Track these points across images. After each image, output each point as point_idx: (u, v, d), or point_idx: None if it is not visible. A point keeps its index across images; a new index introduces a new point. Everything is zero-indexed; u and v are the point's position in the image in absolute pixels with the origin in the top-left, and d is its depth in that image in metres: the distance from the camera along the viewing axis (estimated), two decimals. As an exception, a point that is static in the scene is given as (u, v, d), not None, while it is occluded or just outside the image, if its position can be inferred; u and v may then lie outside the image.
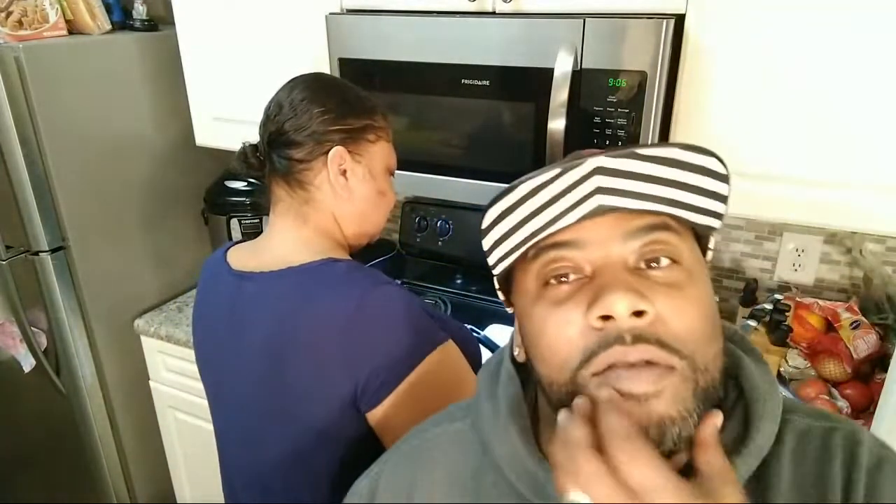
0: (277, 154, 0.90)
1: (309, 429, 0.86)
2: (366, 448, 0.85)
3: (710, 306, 0.50)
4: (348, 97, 0.92)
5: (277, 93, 0.92)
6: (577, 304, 0.48)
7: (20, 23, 1.44)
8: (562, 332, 0.48)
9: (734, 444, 0.51)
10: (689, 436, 0.47)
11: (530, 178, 0.48)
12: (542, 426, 0.57)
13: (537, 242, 0.50)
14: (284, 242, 0.91)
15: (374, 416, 0.83)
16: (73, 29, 1.56)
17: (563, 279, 0.50)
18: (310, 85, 0.91)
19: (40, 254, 1.53)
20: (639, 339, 0.46)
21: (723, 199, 0.50)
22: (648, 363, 0.46)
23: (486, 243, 0.52)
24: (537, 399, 0.59)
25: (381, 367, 0.81)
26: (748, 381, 0.55)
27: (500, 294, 0.59)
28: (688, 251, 0.50)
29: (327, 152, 0.88)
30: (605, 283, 0.47)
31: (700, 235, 0.54)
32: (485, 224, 0.51)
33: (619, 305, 0.45)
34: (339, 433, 0.86)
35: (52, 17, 1.49)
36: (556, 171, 0.47)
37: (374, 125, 0.93)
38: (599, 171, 0.47)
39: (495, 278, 0.57)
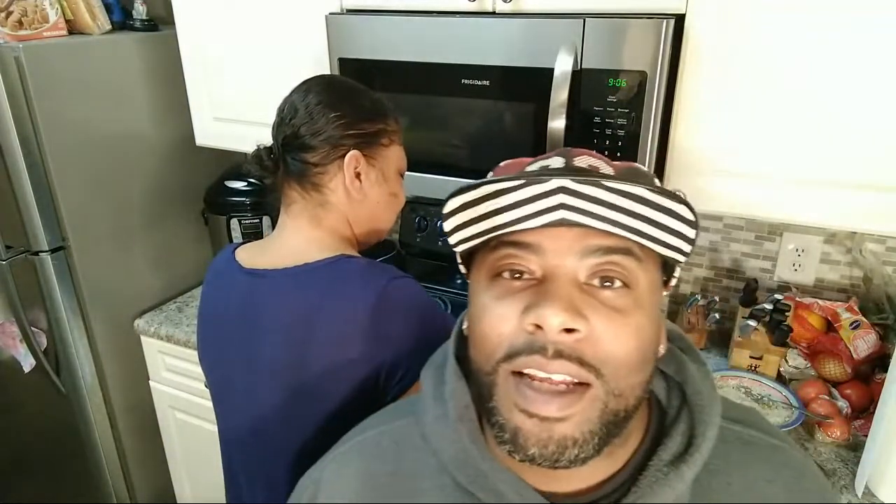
0: (292, 157, 0.92)
1: (324, 423, 0.87)
2: None
3: (647, 337, 0.50)
4: (363, 102, 0.94)
5: (291, 95, 0.94)
6: (517, 304, 0.49)
7: (20, 23, 1.44)
8: (495, 326, 0.50)
9: (682, 450, 0.54)
10: (587, 458, 0.48)
11: (494, 180, 0.48)
12: (485, 424, 0.56)
13: (500, 236, 0.51)
14: (297, 242, 0.93)
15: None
16: (73, 29, 1.56)
17: (515, 275, 0.51)
18: (325, 89, 0.92)
19: (40, 254, 1.53)
20: (559, 354, 0.47)
21: (689, 241, 0.50)
22: (562, 393, 0.47)
23: (448, 225, 0.53)
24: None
25: (404, 356, 0.84)
26: (691, 386, 0.57)
27: (461, 267, 0.60)
28: (645, 279, 0.51)
29: (342, 156, 0.90)
30: (548, 292, 0.48)
31: (667, 263, 0.55)
32: (447, 209, 0.52)
33: (553, 319, 0.46)
34: (358, 421, 0.87)
35: (52, 17, 1.49)
36: (520, 181, 0.47)
37: (388, 129, 0.95)
38: (563, 190, 0.46)
39: (457, 254, 0.57)
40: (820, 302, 1.40)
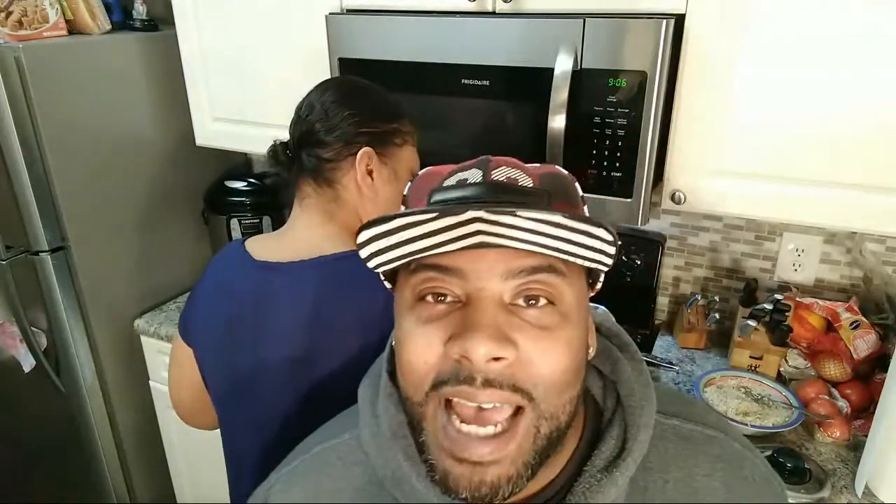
0: (307, 153, 0.94)
1: (334, 411, 0.87)
2: None
3: (576, 351, 0.50)
4: (378, 101, 0.96)
5: (309, 94, 0.96)
6: (441, 330, 0.48)
7: (20, 23, 1.44)
8: (420, 354, 0.49)
9: (616, 453, 0.54)
10: (521, 488, 0.48)
11: (405, 214, 0.46)
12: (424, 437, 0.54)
13: (419, 259, 0.50)
14: (310, 235, 0.94)
15: None
16: (73, 29, 1.56)
17: (438, 298, 0.49)
18: (341, 88, 0.96)
19: (40, 254, 1.53)
20: (489, 383, 0.46)
21: (609, 255, 0.49)
22: (495, 436, 0.47)
23: (363, 253, 0.50)
24: None
25: None
26: (625, 386, 0.57)
27: (385, 283, 0.57)
28: (570, 292, 0.50)
29: (355, 153, 0.92)
30: (472, 321, 0.47)
31: (591, 272, 0.54)
32: (360, 240, 0.49)
33: (478, 351, 0.45)
34: None
35: (52, 17, 1.49)
36: (433, 214, 0.45)
37: (402, 129, 0.97)
38: (478, 220, 0.45)
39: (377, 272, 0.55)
40: (820, 302, 1.40)
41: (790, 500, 1.04)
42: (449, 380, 0.47)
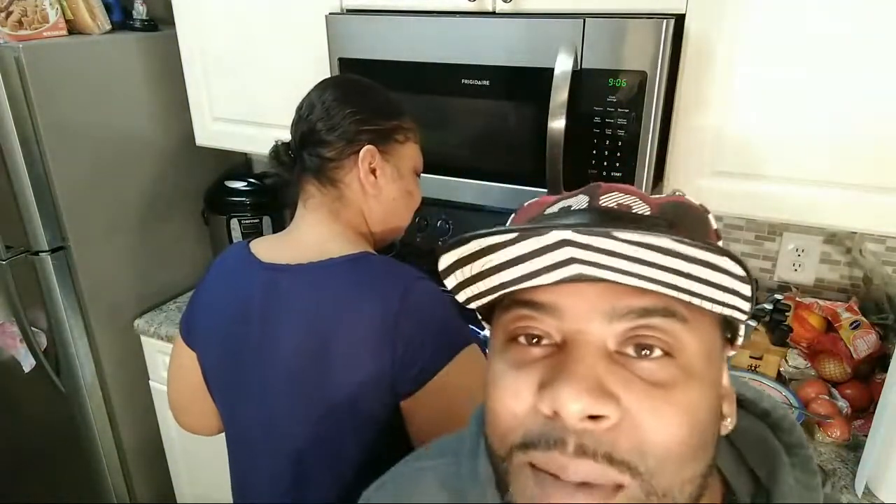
0: (309, 152, 0.93)
1: (341, 413, 0.88)
2: (392, 439, 0.88)
3: (702, 417, 0.41)
4: (378, 99, 0.96)
5: (309, 93, 0.96)
6: (532, 378, 0.41)
7: (20, 23, 1.44)
8: (508, 403, 0.42)
9: None
10: None
11: (482, 234, 0.40)
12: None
13: (511, 293, 0.43)
14: (319, 235, 0.94)
15: (407, 402, 0.86)
16: (73, 29, 1.56)
17: (532, 340, 0.43)
18: (341, 86, 0.95)
19: (40, 254, 1.53)
20: (583, 451, 0.38)
21: (745, 298, 0.39)
22: (590, 486, 0.39)
23: (449, 283, 0.45)
24: None
25: (419, 356, 0.84)
26: (780, 500, 0.46)
27: (483, 323, 0.51)
28: (694, 343, 0.41)
29: (358, 151, 0.92)
30: (566, 368, 0.39)
31: (727, 319, 0.44)
32: (441, 267, 0.44)
33: (572, 406, 0.38)
34: (369, 419, 0.88)
35: (52, 17, 1.49)
36: (512, 235, 0.39)
37: (403, 126, 0.96)
38: (568, 243, 0.38)
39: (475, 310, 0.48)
40: (820, 302, 1.40)
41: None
42: (539, 443, 0.40)
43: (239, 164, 1.97)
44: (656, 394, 0.39)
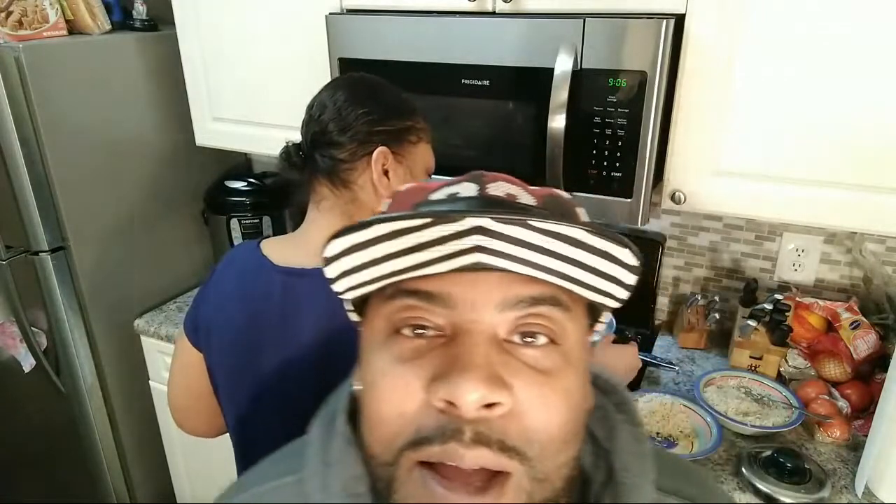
0: (321, 153, 0.92)
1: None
2: None
3: (577, 402, 0.42)
4: (391, 99, 0.94)
5: (320, 93, 0.94)
6: (422, 371, 0.40)
7: (20, 23, 1.44)
8: (395, 402, 0.40)
9: None
10: None
11: (389, 218, 0.38)
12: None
13: (398, 282, 0.41)
14: None
15: None
16: (73, 29, 1.56)
17: (418, 331, 0.41)
18: (353, 86, 0.93)
19: (40, 254, 1.53)
20: (478, 439, 0.38)
21: (626, 287, 0.42)
22: (480, 490, 0.39)
23: (331, 271, 0.42)
24: None
25: None
26: (620, 460, 0.48)
27: (351, 314, 0.48)
28: (574, 331, 0.43)
29: (371, 153, 0.90)
30: (462, 358, 0.39)
31: (594, 306, 0.46)
32: (329, 253, 0.41)
33: (470, 396, 0.37)
34: None
35: (52, 17, 1.49)
36: (425, 220, 0.38)
37: (416, 127, 0.95)
38: (480, 231, 0.37)
39: (343, 298, 0.46)
40: (820, 302, 1.40)
41: (790, 501, 1.04)
42: (434, 437, 0.38)
43: (239, 164, 1.97)
44: (542, 380, 0.40)
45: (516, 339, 0.41)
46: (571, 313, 0.42)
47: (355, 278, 0.42)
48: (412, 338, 0.41)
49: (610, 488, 0.47)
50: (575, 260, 0.39)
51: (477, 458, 0.38)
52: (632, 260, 0.40)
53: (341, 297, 0.45)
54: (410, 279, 0.41)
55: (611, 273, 0.40)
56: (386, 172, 0.92)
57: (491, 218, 0.37)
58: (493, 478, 0.39)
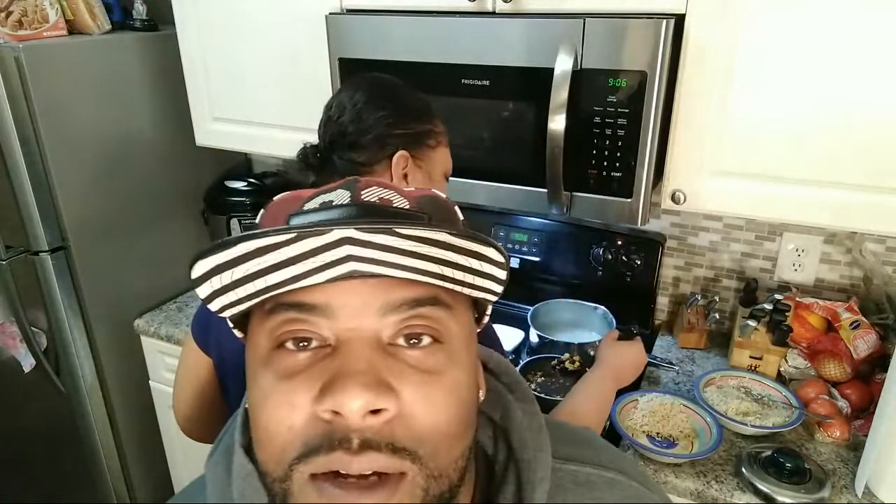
0: (339, 156, 0.91)
1: None
2: None
3: (466, 396, 0.44)
4: (410, 101, 0.93)
5: (339, 94, 0.93)
6: (308, 385, 0.40)
7: (20, 23, 1.44)
8: (283, 417, 0.40)
9: None
10: None
11: (252, 236, 0.38)
12: None
13: (276, 296, 0.41)
14: None
15: None
16: (73, 29, 1.56)
17: (301, 344, 0.41)
18: (371, 88, 0.93)
19: (40, 254, 1.53)
20: (367, 445, 0.38)
21: (500, 282, 0.44)
22: (373, 486, 0.39)
23: (202, 292, 0.41)
24: None
25: None
26: (516, 436, 0.50)
27: (235, 331, 0.48)
28: (458, 328, 0.44)
29: (390, 156, 0.90)
30: (345, 369, 0.39)
31: (478, 301, 0.48)
32: (195, 274, 0.40)
33: (353, 403, 0.38)
34: None
35: (52, 17, 1.49)
36: (290, 235, 0.38)
37: (435, 130, 0.94)
38: (349, 241, 0.38)
39: (221, 317, 0.45)
40: (820, 302, 1.40)
41: (790, 501, 1.04)
42: (320, 447, 0.38)
43: (239, 164, 1.97)
44: (428, 380, 0.41)
45: (401, 341, 0.41)
46: (453, 310, 0.43)
47: (229, 296, 0.42)
48: (295, 351, 0.41)
49: (511, 465, 0.50)
50: (446, 261, 0.41)
51: (368, 462, 0.39)
52: (499, 257, 0.42)
53: (219, 315, 0.44)
54: (288, 292, 0.41)
55: (483, 270, 0.43)
56: (405, 176, 0.91)
57: (356, 228, 0.38)
58: (389, 476, 0.39)
